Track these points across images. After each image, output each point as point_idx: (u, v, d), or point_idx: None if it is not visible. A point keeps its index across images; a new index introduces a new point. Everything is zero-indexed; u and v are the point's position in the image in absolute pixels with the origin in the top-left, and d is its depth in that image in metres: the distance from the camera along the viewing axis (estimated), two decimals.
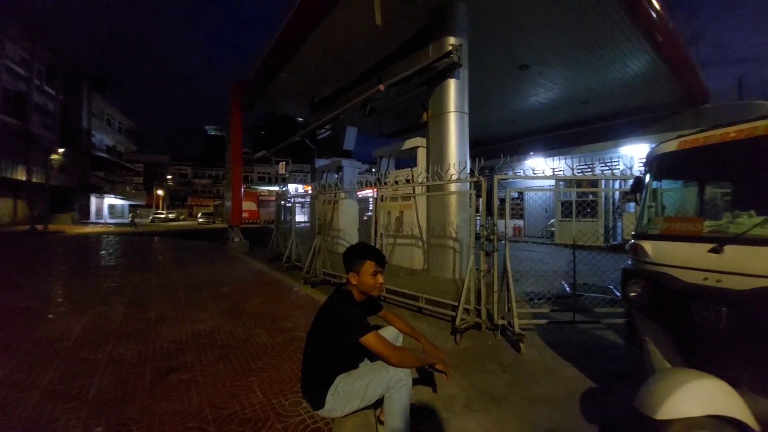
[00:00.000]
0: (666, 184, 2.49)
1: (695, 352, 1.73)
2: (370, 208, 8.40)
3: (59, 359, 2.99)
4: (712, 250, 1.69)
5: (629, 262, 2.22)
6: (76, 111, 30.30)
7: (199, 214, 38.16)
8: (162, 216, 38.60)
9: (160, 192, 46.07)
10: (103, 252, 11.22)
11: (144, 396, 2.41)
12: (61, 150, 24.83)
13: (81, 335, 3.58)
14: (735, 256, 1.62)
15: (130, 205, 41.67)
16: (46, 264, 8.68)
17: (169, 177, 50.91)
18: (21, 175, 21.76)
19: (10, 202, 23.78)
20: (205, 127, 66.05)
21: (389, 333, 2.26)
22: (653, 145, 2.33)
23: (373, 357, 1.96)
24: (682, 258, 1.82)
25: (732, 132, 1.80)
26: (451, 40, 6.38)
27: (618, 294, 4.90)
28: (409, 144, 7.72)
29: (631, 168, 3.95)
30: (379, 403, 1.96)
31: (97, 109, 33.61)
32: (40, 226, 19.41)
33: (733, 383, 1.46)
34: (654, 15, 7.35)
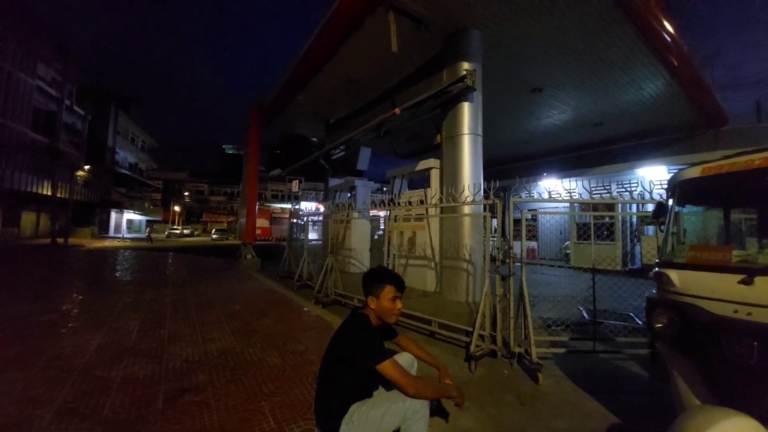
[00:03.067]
0: (689, 210, 2.44)
1: (725, 388, 1.65)
2: (382, 227, 8.40)
3: (74, 376, 3.01)
4: (742, 282, 1.63)
5: (654, 291, 2.15)
6: (103, 129, 31.71)
7: (213, 231, 38.75)
8: (177, 231, 39.51)
9: (176, 208, 47.16)
10: (120, 267, 11.44)
11: (157, 417, 2.40)
12: (86, 167, 25.87)
13: (96, 352, 3.62)
14: (766, 287, 1.56)
15: (148, 221, 42.70)
16: (64, 278, 8.88)
17: (186, 194, 52.19)
18: (46, 190, 22.64)
19: (33, 215, 24.70)
20: (223, 146, 68.14)
21: (404, 359, 2.21)
22: (676, 170, 2.30)
23: (389, 385, 1.92)
24: (711, 289, 1.76)
25: (758, 159, 1.76)
26: (465, 65, 6.51)
27: (639, 322, 4.72)
28: (422, 165, 7.77)
29: (651, 192, 3.87)
30: None
31: (122, 128, 35.13)
32: (60, 240, 19.99)
33: (765, 422, 1.39)
34: (668, 38, 7.36)
